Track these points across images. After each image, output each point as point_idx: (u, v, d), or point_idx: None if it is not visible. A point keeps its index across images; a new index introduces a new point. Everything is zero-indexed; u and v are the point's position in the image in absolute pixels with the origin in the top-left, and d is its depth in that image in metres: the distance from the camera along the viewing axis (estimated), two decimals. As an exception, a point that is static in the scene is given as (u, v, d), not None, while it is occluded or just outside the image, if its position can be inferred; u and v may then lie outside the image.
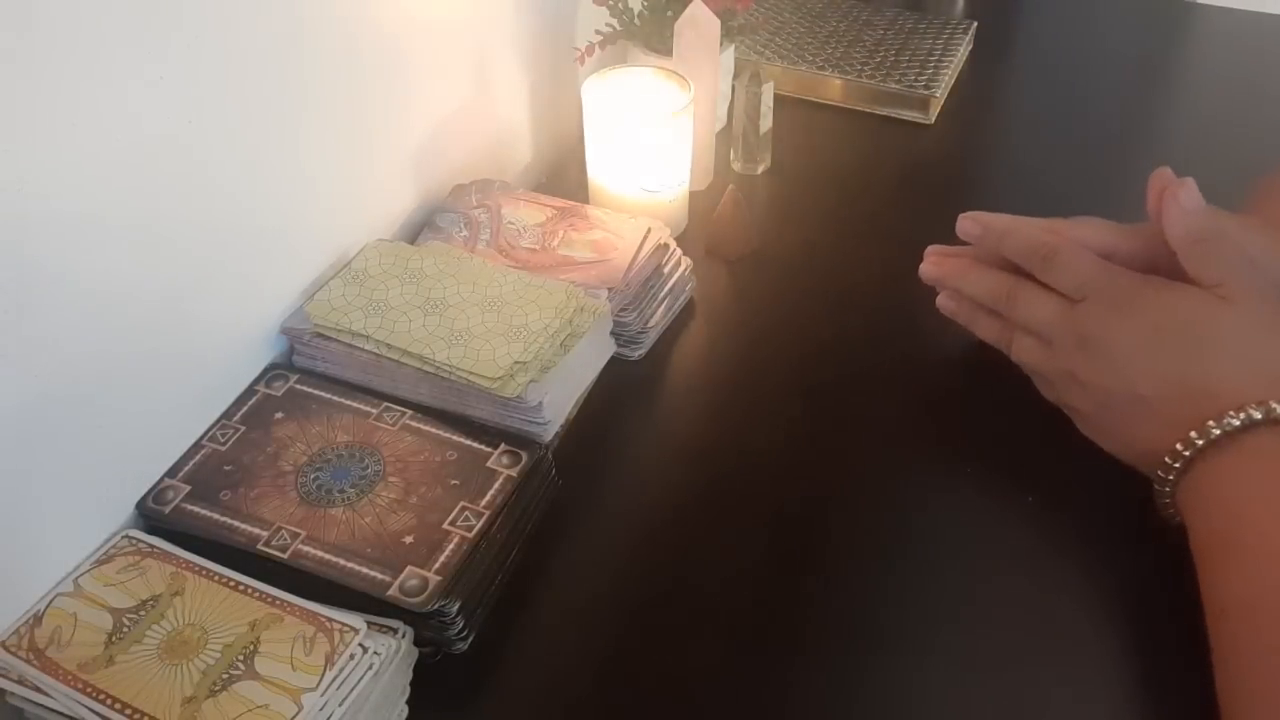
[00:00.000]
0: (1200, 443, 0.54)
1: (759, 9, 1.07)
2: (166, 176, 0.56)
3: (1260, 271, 0.58)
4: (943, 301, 0.70)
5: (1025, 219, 0.65)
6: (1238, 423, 0.53)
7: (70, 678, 0.49)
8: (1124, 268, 0.61)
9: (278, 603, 0.52)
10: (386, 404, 0.63)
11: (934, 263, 0.69)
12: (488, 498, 0.58)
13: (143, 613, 0.52)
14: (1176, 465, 0.55)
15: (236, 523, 0.56)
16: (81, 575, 0.54)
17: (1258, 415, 0.53)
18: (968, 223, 0.67)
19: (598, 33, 0.85)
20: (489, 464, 0.59)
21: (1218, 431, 0.53)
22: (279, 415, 0.63)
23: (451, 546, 0.55)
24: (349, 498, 0.58)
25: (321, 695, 0.48)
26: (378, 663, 0.50)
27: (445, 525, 0.56)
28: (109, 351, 0.55)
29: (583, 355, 0.66)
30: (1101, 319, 0.59)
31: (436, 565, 0.54)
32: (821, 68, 0.99)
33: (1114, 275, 0.60)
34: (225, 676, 0.49)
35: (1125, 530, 0.59)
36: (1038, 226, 0.64)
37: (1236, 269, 0.57)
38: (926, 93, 0.95)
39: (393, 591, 0.53)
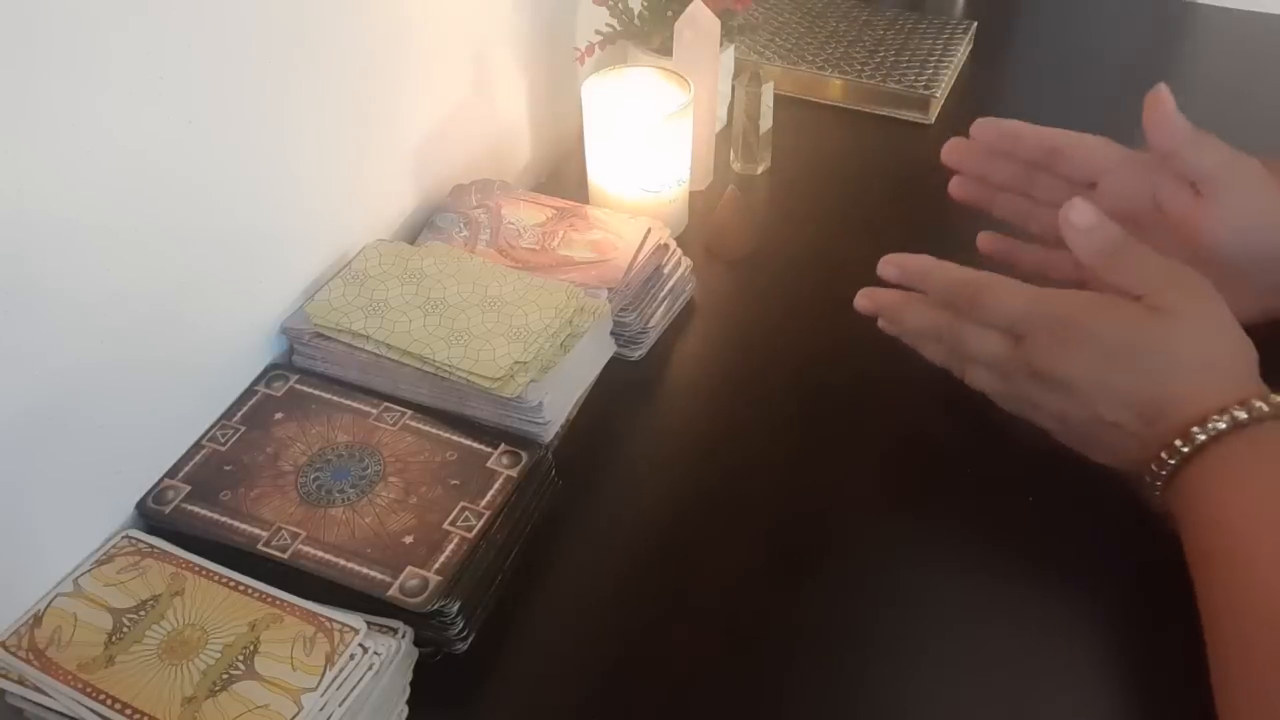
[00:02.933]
0: (1173, 462, 0.54)
1: (759, 9, 1.07)
2: (166, 177, 0.56)
3: (1178, 265, 0.58)
4: (884, 325, 0.67)
5: (942, 263, 0.63)
6: (1204, 436, 0.53)
7: (70, 678, 0.49)
8: (1052, 290, 0.59)
9: (278, 603, 0.52)
10: (386, 404, 0.63)
11: (868, 295, 0.66)
12: (488, 498, 0.58)
13: (143, 613, 0.52)
14: (1158, 484, 0.55)
15: (236, 523, 0.56)
16: (81, 575, 0.54)
17: (1223, 424, 0.53)
18: (885, 266, 0.65)
19: (598, 33, 0.85)
20: (489, 464, 0.59)
21: (1187, 449, 0.54)
22: (279, 415, 0.63)
23: (451, 547, 0.55)
24: (349, 498, 0.58)
25: (321, 695, 0.48)
26: (378, 663, 0.50)
27: (445, 525, 0.56)
28: (109, 352, 0.55)
29: (583, 355, 0.66)
30: (1047, 354, 0.58)
31: (436, 565, 0.54)
32: (821, 68, 0.99)
33: (1045, 305, 0.58)
34: (225, 676, 0.49)
35: (1126, 531, 0.59)
36: (955, 269, 0.62)
37: (1156, 273, 0.57)
38: (926, 93, 0.95)
39: (393, 592, 0.53)
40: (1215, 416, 0.53)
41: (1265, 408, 0.53)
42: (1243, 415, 0.53)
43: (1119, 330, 0.57)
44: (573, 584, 0.59)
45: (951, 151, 0.72)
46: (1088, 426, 0.59)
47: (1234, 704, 0.48)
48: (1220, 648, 0.50)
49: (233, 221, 0.61)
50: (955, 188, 0.71)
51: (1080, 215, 0.59)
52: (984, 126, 0.71)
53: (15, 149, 0.47)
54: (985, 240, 0.72)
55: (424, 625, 0.53)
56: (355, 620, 0.51)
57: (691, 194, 0.82)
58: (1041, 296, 0.59)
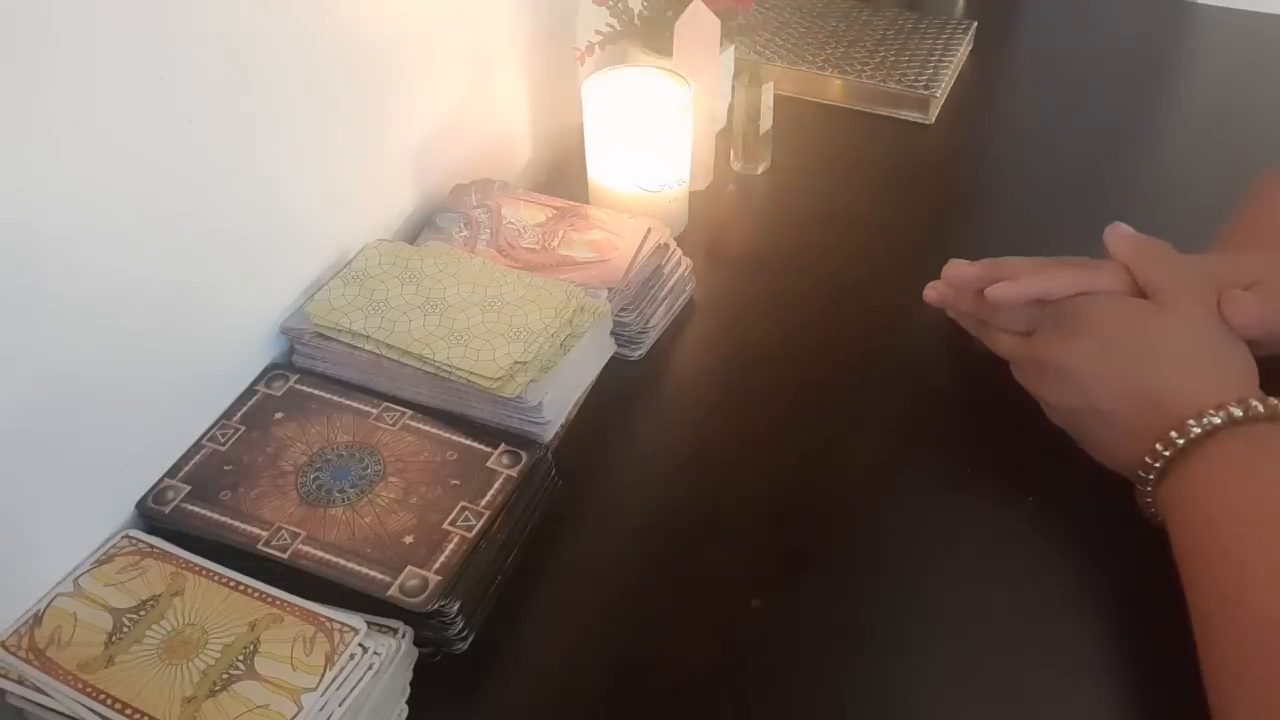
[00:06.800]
0: (1167, 454, 0.54)
1: (759, 9, 1.07)
2: (166, 176, 0.56)
3: (1194, 268, 0.60)
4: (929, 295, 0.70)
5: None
6: (1199, 430, 0.53)
7: (70, 678, 0.49)
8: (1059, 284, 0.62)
9: (278, 603, 0.52)
10: (386, 404, 0.63)
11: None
12: (488, 498, 0.58)
13: (143, 613, 0.52)
14: (1150, 476, 0.56)
15: (236, 523, 0.56)
16: (81, 575, 0.54)
17: (1218, 420, 0.53)
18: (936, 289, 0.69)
19: (598, 33, 0.85)
20: (489, 464, 0.59)
21: (1182, 441, 0.54)
22: (279, 415, 0.63)
23: (451, 546, 0.55)
24: (349, 498, 0.58)
25: (321, 695, 0.48)
26: (378, 663, 0.50)
27: (445, 525, 0.56)
28: (109, 352, 0.55)
29: (583, 355, 0.66)
30: (1051, 343, 0.61)
31: (436, 565, 0.54)
32: (821, 68, 0.99)
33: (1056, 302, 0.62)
34: (225, 676, 0.49)
35: (1125, 530, 0.59)
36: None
37: (1171, 274, 0.59)
38: (926, 93, 0.95)
39: (393, 591, 0.53)
40: (1212, 412, 0.53)
41: (1262, 408, 0.53)
42: (1239, 413, 0.53)
43: (1119, 321, 0.59)
44: (573, 583, 0.59)
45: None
46: (1084, 419, 0.59)
47: (1229, 705, 0.48)
48: (1214, 647, 0.50)
49: (232, 221, 0.61)
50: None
51: (1121, 226, 0.64)
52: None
53: (15, 149, 0.47)
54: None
55: (424, 625, 0.53)
56: (355, 620, 0.51)
57: (691, 194, 0.82)
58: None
